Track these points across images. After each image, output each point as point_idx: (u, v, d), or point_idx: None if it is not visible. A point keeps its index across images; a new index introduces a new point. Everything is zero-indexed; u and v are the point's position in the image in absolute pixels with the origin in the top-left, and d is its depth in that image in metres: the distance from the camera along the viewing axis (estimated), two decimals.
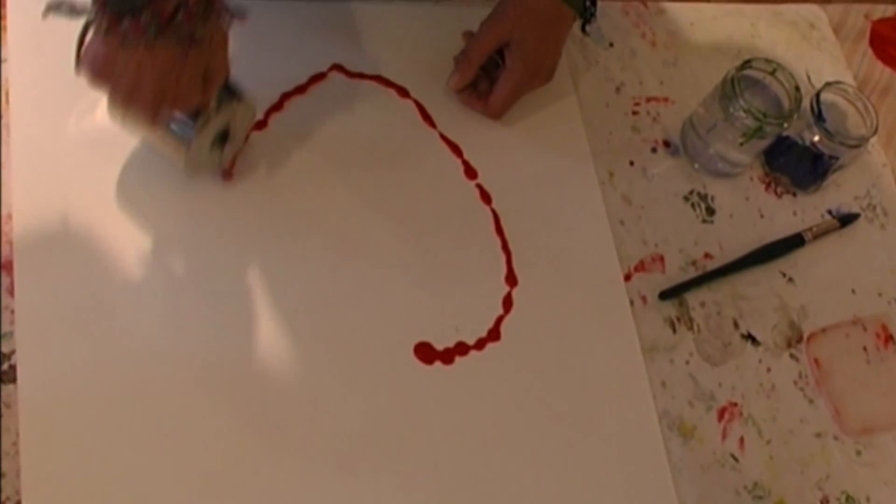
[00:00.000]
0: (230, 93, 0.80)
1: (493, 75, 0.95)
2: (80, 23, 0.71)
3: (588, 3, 0.93)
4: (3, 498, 0.72)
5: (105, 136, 0.84)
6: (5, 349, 0.77)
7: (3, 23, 0.88)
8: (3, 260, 0.79)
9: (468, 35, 0.96)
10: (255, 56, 0.92)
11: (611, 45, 1.04)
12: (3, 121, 0.84)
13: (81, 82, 0.85)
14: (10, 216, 0.81)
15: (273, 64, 0.93)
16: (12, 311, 0.78)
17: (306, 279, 0.85)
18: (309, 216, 0.88)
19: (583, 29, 0.95)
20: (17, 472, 0.73)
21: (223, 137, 0.82)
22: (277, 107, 0.91)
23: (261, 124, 0.90)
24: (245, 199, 0.87)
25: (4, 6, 0.88)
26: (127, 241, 0.83)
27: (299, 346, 0.83)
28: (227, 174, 0.87)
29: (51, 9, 0.70)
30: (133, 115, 0.77)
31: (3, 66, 0.86)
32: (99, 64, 0.72)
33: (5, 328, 0.77)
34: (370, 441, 0.81)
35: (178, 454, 0.77)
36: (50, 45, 0.87)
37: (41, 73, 0.87)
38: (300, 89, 0.93)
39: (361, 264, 0.87)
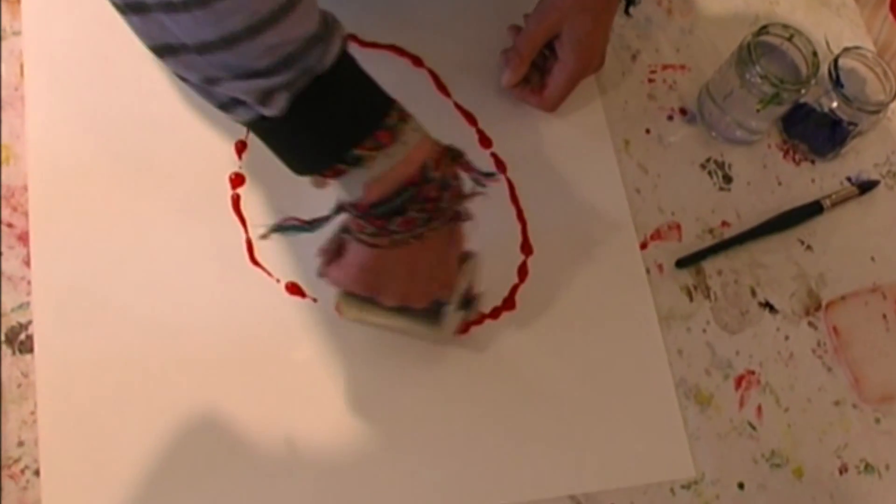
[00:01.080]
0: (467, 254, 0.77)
1: (544, 66, 0.94)
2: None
3: None
4: (23, 465, 0.73)
5: None
6: (22, 320, 0.77)
7: None
8: (19, 231, 0.80)
9: (514, 29, 0.95)
10: None
11: (627, 13, 1.03)
12: (19, 92, 0.84)
13: (95, 55, 0.85)
14: (25, 188, 0.81)
15: None
16: (28, 282, 0.78)
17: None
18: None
19: (626, 11, 0.94)
20: (36, 440, 0.74)
21: (467, 297, 0.79)
22: None
23: None
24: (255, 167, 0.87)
25: None
26: (142, 211, 0.83)
27: (315, 324, 0.83)
28: (464, 329, 0.85)
29: (281, 229, 0.68)
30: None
31: (19, 38, 0.86)
32: (368, 271, 0.68)
33: (22, 299, 0.78)
34: (385, 409, 0.81)
35: (190, 422, 0.77)
36: (64, 18, 0.88)
37: (56, 45, 0.87)
38: None
39: None
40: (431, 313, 0.76)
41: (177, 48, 0.58)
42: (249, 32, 0.56)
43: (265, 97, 0.60)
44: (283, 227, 0.69)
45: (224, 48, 0.56)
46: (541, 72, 0.94)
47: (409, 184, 0.64)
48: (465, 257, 0.77)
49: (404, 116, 0.65)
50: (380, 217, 0.65)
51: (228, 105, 0.62)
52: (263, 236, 0.71)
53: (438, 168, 0.65)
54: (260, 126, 0.63)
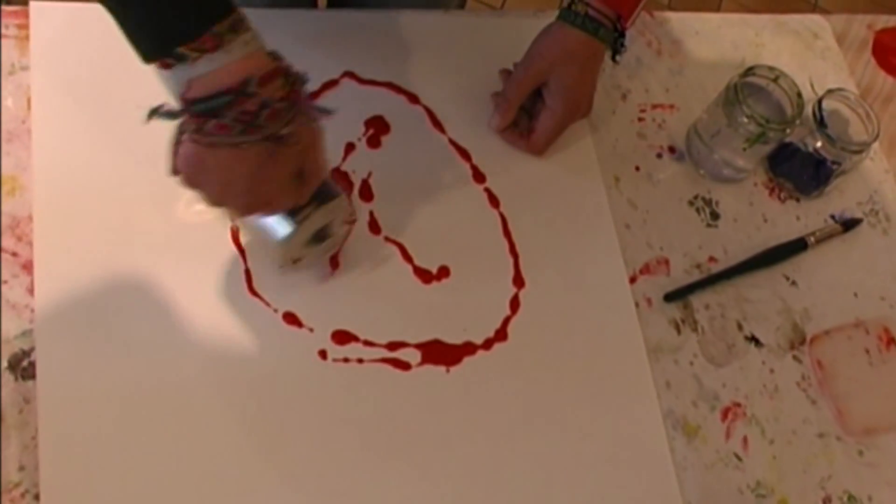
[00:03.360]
0: (329, 193, 0.79)
1: (532, 111, 0.95)
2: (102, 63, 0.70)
3: (617, 36, 0.93)
4: (23, 489, 0.73)
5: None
6: (25, 346, 0.77)
7: (26, 32, 0.89)
8: (24, 260, 0.80)
9: (505, 73, 0.96)
10: None
11: (614, 60, 1.04)
12: (26, 125, 0.85)
13: (99, 91, 0.86)
14: (31, 218, 0.81)
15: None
16: (32, 310, 0.78)
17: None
18: None
19: (613, 59, 0.96)
20: (36, 465, 0.74)
21: (320, 234, 0.81)
22: None
23: None
24: None
25: (27, 17, 0.89)
26: (143, 243, 0.83)
27: (311, 351, 0.83)
28: (334, 264, 0.87)
29: (153, 113, 0.70)
30: (228, 212, 0.77)
31: (27, 73, 0.87)
32: (190, 165, 0.71)
33: (25, 326, 0.78)
34: (379, 439, 0.81)
35: (190, 450, 0.77)
36: (70, 54, 0.89)
37: (62, 81, 0.88)
38: (313, 95, 0.93)
39: (371, 266, 0.88)
40: (276, 232, 0.78)
41: None
42: None
43: None
44: (155, 111, 0.70)
45: None
46: (529, 115, 0.96)
47: (226, 91, 0.65)
48: (328, 196, 0.78)
49: (237, 28, 0.66)
50: (197, 114, 0.67)
51: None
52: (148, 120, 0.70)
53: (264, 86, 0.66)
54: (108, 7, 0.66)
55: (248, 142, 0.68)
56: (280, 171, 0.72)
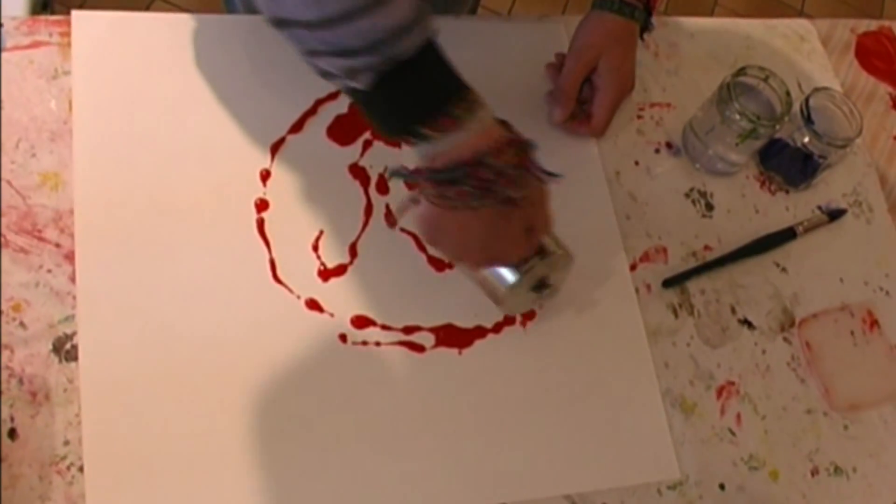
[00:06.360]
0: (553, 245, 0.82)
1: (581, 97, 0.98)
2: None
3: (647, 16, 0.98)
4: (69, 462, 0.75)
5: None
6: (68, 331, 0.79)
7: (68, 39, 0.90)
8: (66, 251, 0.82)
9: (553, 68, 0.99)
10: (292, 66, 0.93)
11: (641, 38, 1.05)
12: (68, 126, 0.86)
13: (136, 93, 0.88)
14: (72, 211, 0.83)
15: (308, 74, 0.94)
16: (74, 297, 0.80)
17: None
18: (339, 206, 0.90)
19: (640, 37, 1.00)
20: (80, 439, 0.75)
21: (540, 283, 0.83)
22: (311, 112, 0.93)
23: (296, 127, 0.92)
24: (279, 193, 0.89)
25: (69, 25, 0.90)
26: (176, 233, 0.85)
27: (331, 336, 0.85)
28: (531, 314, 0.90)
29: (393, 175, 0.76)
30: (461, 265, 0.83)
31: (68, 77, 0.88)
32: (430, 225, 0.76)
33: (68, 312, 0.80)
34: (396, 417, 0.83)
35: (220, 426, 0.79)
36: (109, 60, 0.90)
37: (101, 84, 0.89)
38: (332, 96, 0.94)
39: (387, 255, 0.89)
40: (503, 281, 0.80)
41: (289, 22, 0.67)
42: (344, 17, 0.64)
43: (353, 73, 0.68)
44: (396, 173, 0.75)
45: (324, 28, 0.65)
46: (580, 103, 0.98)
47: (463, 164, 0.70)
48: (547, 252, 0.81)
49: (473, 107, 0.70)
50: (437, 183, 0.71)
51: (326, 75, 0.71)
52: (389, 178, 0.84)
53: (498, 156, 0.70)
54: (351, 94, 0.71)
55: (484, 205, 0.71)
56: (513, 229, 0.75)
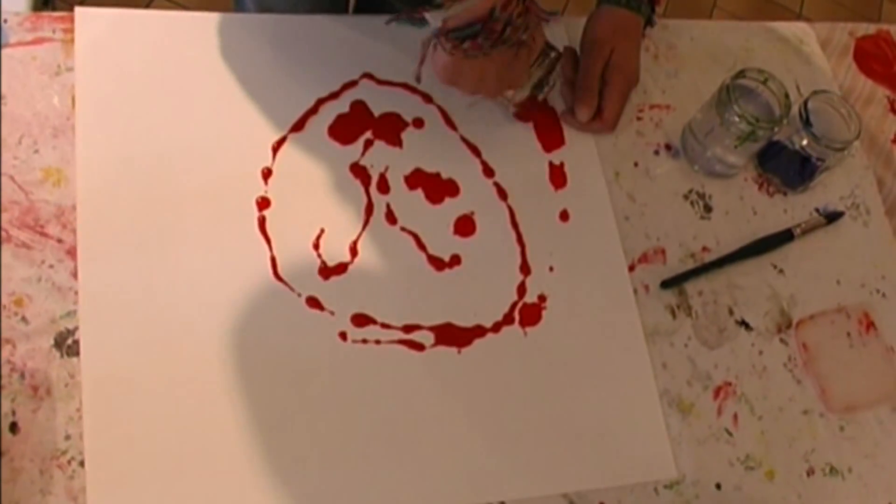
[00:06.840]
0: (546, 48, 0.90)
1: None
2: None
3: (651, 11, 1.02)
4: (70, 457, 0.75)
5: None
6: (70, 326, 0.79)
7: (71, 35, 0.90)
8: (68, 246, 0.82)
9: (569, 62, 0.99)
10: (293, 65, 0.94)
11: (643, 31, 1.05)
12: (70, 122, 0.86)
13: (137, 90, 0.88)
14: (74, 207, 0.83)
15: (309, 72, 0.95)
16: (76, 293, 0.80)
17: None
18: (340, 205, 0.90)
19: (644, 28, 1.02)
20: (81, 434, 0.76)
21: (540, 82, 0.92)
22: (313, 111, 0.93)
23: (298, 126, 0.92)
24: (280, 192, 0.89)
25: (73, 22, 0.90)
26: (177, 229, 0.85)
27: (331, 333, 0.85)
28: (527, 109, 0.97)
29: (392, 20, 0.85)
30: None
31: (71, 74, 0.88)
32: (448, 72, 0.85)
33: (70, 307, 0.80)
34: (395, 414, 0.83)
35: (221, 422, 0.79)
36: (111, 57, 0.90)
37: (103, 81, 0.89)
38: (333, 95, 0.94)
39: (387, 254, 0.89)
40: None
41: None
42: None
43: None
44: (404, 19, 0.86)
45: None
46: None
47: (477, 21, 0.78)
48: (544, 55, 0.90)
49: None
50: (453, 40, 0.80)
51: None
52: (388, 23, 0.92)
53: (506, 9, 0.79)
54: None
55: (497, 51, 0.82)
56: (522, 63, 0.87)
